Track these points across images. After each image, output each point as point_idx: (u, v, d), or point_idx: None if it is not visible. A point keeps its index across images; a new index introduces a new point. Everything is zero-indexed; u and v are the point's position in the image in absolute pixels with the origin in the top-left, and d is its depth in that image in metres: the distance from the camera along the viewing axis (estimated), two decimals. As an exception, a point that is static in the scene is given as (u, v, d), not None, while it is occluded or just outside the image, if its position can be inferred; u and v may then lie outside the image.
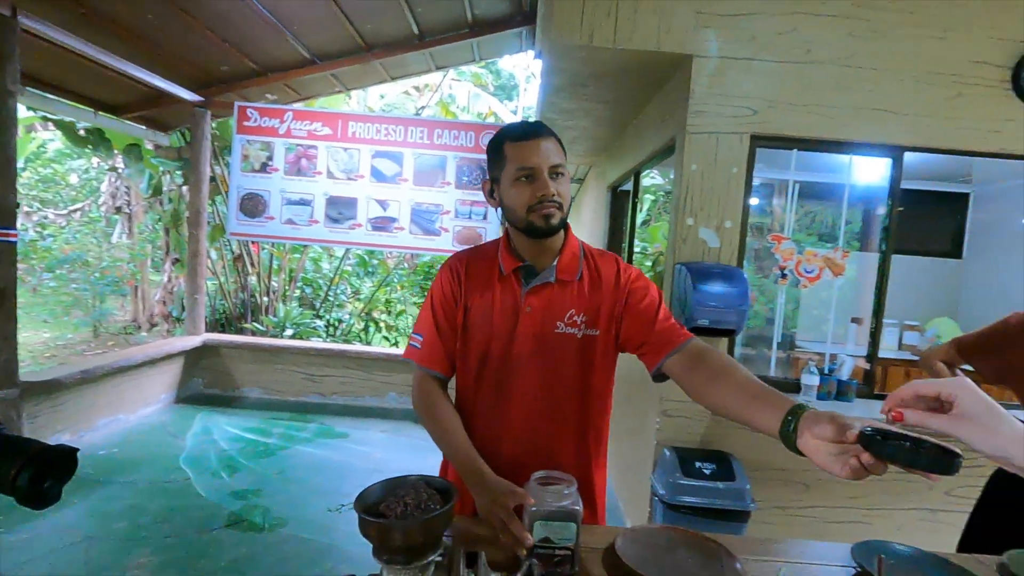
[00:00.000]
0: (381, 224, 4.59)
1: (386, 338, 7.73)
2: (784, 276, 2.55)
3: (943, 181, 4.55)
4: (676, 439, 2.47)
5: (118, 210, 7.93)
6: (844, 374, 2.52)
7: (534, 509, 0.90)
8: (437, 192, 4.58)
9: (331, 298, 6.86)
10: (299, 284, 6.77)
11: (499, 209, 1.16)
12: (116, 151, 5.55)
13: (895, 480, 2.43)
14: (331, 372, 4.78)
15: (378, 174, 4.59)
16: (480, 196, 4.69)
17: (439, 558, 0.73)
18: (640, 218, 6.20)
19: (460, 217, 4.60)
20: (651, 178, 5.99)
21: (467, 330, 1.17)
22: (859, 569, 0.99)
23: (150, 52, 3.93)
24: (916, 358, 3.84)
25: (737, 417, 0.92)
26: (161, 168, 5.82)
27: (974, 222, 4.68)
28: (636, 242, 4.19)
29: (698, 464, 2.30)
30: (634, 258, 4.18)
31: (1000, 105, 2.42)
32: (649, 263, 6.20)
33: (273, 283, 6.30)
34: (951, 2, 2.37)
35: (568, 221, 1.16)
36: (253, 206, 4.59)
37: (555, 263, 1.15)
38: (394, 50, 4.49)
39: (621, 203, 4.65)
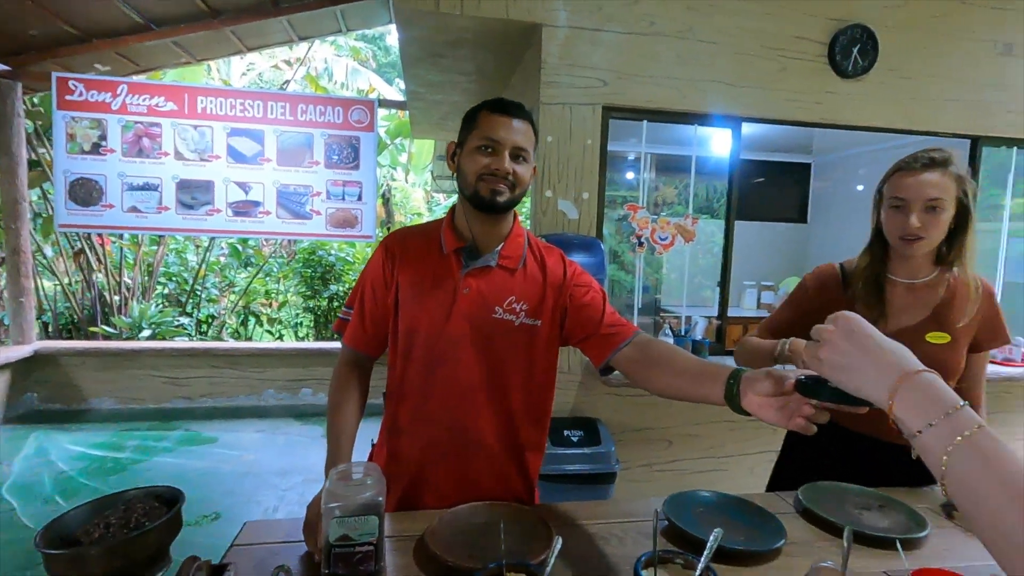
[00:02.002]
0: (243, 209, 4.21)
1: (269, 332, 7.21)
2: (641, 244, 2.64)
3: (788, 152, 4.99)
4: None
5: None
6: (698, 334, 2.67)
7: (330, 506, 0.83)
8: (305, 172, 4.27)
9: (200, 292, 6.25)
10: (160, 279, 6.09)
11: (454, 175, 1.14)
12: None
13: (743, 428, 2.64)
14: (197, 373, 4.36)
15: (236, 154, 4.19)
16: (355, 176, 4.48)
17: (170, 580, 0.62)
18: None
19: (333, 199, 4.33)
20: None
21: (398, 307, 1.14)
22: (667, 522, 1.02)
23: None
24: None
25: (686, 396, 0.96)
26: (-31, 152, 4.92)
27: (815, 189, 5.20)
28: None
29: (567, 432, 2.34)
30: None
31: (820, 78, 2.64)
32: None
33: (127, 279, 5.61)
34: (775, -20, 2.53)
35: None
36: (86, 193, 4.02)
37: (499, 248, 1.13)
38: (244, 17, 4.07)
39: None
